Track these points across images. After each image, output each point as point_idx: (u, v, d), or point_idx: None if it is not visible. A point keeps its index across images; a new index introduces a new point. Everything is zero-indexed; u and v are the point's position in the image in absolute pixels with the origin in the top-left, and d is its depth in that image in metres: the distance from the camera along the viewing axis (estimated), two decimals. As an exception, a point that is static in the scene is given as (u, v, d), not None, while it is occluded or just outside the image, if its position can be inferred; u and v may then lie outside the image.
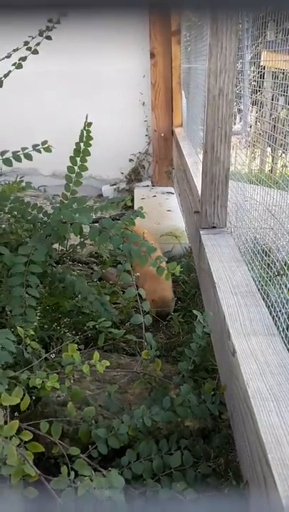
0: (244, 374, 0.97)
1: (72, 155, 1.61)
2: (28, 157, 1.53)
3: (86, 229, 1.44)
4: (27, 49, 1.69)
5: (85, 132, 1.59)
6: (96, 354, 1.23)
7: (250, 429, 0.90)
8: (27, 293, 1.35)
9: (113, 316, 1.63)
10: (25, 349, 1.30)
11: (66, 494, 0.95)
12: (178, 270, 1.40)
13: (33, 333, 1.32)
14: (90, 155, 1.59)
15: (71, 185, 1.62)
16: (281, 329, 1.12)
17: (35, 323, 1.42)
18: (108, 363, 1.23)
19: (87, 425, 1.21)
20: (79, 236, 1.46)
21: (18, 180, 1.84)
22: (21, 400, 1.09)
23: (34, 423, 1.14)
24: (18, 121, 3.94)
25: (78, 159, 1.61)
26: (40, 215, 1.57)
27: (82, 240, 1.57)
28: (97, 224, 1.42)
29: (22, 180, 1.85)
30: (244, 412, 0.96)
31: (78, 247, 1.64)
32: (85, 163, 1.62)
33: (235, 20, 1.50)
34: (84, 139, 1.59)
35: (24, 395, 1.09)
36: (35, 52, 1.66)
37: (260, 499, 0.83)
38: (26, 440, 1.01)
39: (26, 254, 1.37)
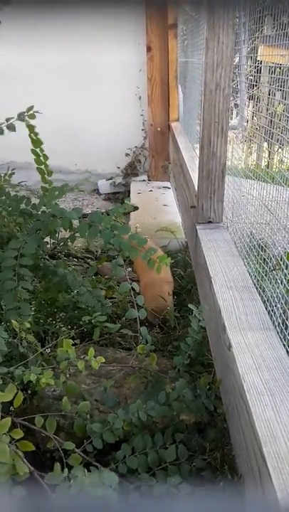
0: (240, 368, 0.98)
1: (30, 150, 1.57)
2: (12, 128, 1.51)
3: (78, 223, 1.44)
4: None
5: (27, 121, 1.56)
6: (91, 350, 1.22)
7: (246, 422, 0.90)
8: (19, 285, 1.35)
9: (107, 308, 1.63)
10: (21, 343, 1.30)
11: (60, 490, 0.95)
12: (167, 262, 1.40)
13: (28, 326, 1.32)
14: (42, 143, 1.56)
15: (46, 176, 1.61)
16: (277, 324, 1.12)
17: (30, 316, 1.42)
18: (103, 359, 1.23)
19: (82, 420, 1.21)
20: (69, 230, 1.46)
21: (9, 172, 1.83)
22: (15, 396, 1.08)
23: (29, 417, 1.14)
24: (13, 114, 3.91)
25: (38, 150, 1.59)
26: (29, 208, 1.56)
27: (72, 233, 1.55)
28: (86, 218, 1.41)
29: (13, 173, 1.84)
30: (240, 406, 0.97)
31: (69, 240, 1.63)
32: (44, 153, 1.59)
33: (232, 14, 1.49)
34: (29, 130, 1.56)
35: (17, 391, 1.09)
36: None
37: (255, 492, 0.83)
38: (17, 438, 1.00)
39: (16, 248, 1.37)
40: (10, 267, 1.36)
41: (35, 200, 1.58)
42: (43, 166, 1.62)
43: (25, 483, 0.95)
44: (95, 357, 1.21)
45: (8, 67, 3.85)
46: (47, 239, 1.56)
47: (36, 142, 1.56)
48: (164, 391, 1.26)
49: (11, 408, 1.24)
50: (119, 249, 1.39)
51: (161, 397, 1.24)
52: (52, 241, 1.75)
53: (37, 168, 1.60)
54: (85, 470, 1.01)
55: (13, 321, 1.29)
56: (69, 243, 1.64)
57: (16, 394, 1.07)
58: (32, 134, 1.55)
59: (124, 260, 1.49)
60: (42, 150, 1.58)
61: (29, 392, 1.34)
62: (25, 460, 0.97)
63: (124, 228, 1.41)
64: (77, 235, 1.46)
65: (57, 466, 1.00)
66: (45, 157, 1.60)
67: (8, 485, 0.91)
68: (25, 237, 1.41)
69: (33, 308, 1.71)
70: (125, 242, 1.39)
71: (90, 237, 1.40)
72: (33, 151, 1.57)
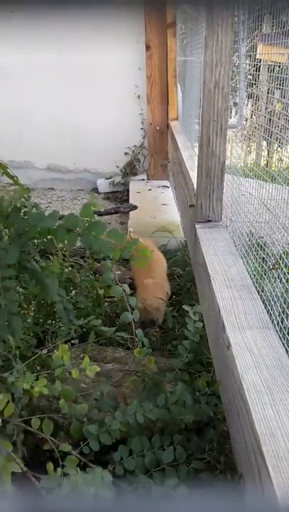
0: (239, 367, 0.97)
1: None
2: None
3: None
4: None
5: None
6: (86, 359, 1.22)
7: (245, 421, 0.90)
8: (6, 300, 1.29)
9: (74, 325, 1.58)
10: (15, 360, 1.27)
11: (55, 492, 0.94)
12: (152, 258, 1.39)
13: (20, 344, 1.29)
14: None
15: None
16: (276, 323, 1.12)
17: (26, 326, 1.39)
18: (98, 369, 1.23)
19: (79, 422, 1.21)
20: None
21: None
22: (6, 405, 1.07)
23: (26, 419, 1.13)
24: (13, 113, 3.92)
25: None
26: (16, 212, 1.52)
27: (51, 239, 1.50)
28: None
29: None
30: (239, 405, 0.96)
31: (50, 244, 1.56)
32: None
33: (231, 12, 1.49)
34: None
35: (8, 401, 1.08)
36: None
37: (255, 491, 0.83)
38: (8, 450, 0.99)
39: None
40: None
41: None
42: (6, 172, 1.59)
43: (20, 484, 0.95)
44: (92, 358, 1.21)
45: (6, 66, 3.85)
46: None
47: None
48: (163, 394, 1.25)
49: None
50: (100, 252, 1.35)
51: (160, 400, 1.24)
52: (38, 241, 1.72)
53: (5, 173, 1.58)
54: (78, 469, 1.01)
55: (9, 337, 1.25)
56: (49, 247, 1.59)
57: (7, 403, 1.06)
58: None
59: (125, 260, 1.48)
60: None
61: (27, 397, 1.33)
62: (18, 460, 0.96)
63: (100, 226, 1.36)
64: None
65: (50, 466, 0.99)
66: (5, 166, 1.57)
67: (3, 486, 0.91)
68: (5, 245, 1.35)
69: (32, 309, 1.71)
70: (105, 243, 1.34)
71: (69, 245, 1.35)
72: None
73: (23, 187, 1.52)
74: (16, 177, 1.56)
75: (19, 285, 1.36)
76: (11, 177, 1.54)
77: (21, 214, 1.44)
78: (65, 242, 1.34)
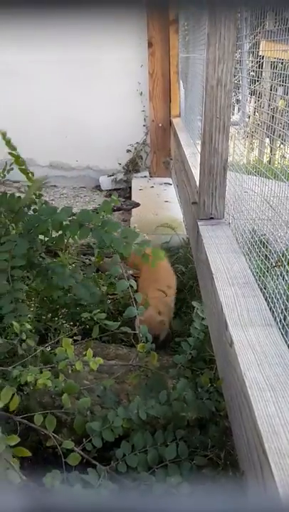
0: (241, 364, 0.97)
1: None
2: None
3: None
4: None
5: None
6: (89, 352, 1.22)
7: (247, 418, 0.90)
8: (13, 287, 1.34)
9: (104, 304, 1.60)
10: (20, 345, 1.28)
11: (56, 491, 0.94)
12: (163, 257, 1.40)
13: (29, 327, 1.31)
14: (15, 148, 1.54)
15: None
16: (278, 320, 1.12)
17: (28, 317, 1.41)
18: (101, 361, 1.23)
19: (82, 417, 1.21)
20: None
21: (7, 168, 1.83)
22: (11, 399, 1.07)
23: (29, 415, 1.14)
24: (16, 110, 3.92)
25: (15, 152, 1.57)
26: (22, 207, 1.54)
27: (63, 233, 1.51)
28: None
29: (12, 168, 1.83)
30: (241, 402, 0.96)
31: (57, 241, 1.58)
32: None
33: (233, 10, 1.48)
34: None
35: (14, 394, 1.08)
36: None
37: (257, 488, 0.83)
38: (12, 445, 0.99)
39: (7, 251, 1.35)
40: (2, 270, 1.34)
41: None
42: (24, 167, 1.60)
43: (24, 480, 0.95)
44: (95, 355, 1.21)
45: (10, 64, 3.85)
46: (42, 235, 1.54)
47: (11, 146, 1.55)
48: (165, 390, 1.26)
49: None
50: (111, 246, 1.37)
51: (162, 396, 1.24)
52: (46, 238, 1.74)
53: (19, 169, 1.59)
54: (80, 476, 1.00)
55: (14, 323, 1.27)
56: (59, 243, 1.61)
57: (13, 396, 1.07)
58: (4, 139, 1.54)
59: (125, 258, 1.48)
60: (18, 153, 1.57)
61: (31, 387, 1.34)
62: (16, 469, 0.96)
63: (114, 225, 1.39)
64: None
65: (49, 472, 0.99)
66: (23, 161, 1.58)
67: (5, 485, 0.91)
68: (15, 238, 1.39)
69: (35, 305, 1.72)
70: (117, 238, 1.37)
71: (81, 237, 1.37)
72: (11, 154, 1.56)
73: (37, 181, 1.54)
74: (32, 173, 1.57)
75: (23, 282, 1.37)
76: (26, 173, 1.55)
77: (31, 211, 1.46)
78: (77, 236, 1.37)
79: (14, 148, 1.54)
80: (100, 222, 1.36)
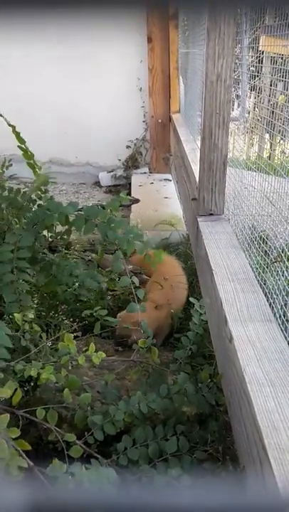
0: (241, 360, 0.98)
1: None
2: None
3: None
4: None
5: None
6: (92, 346, 1.23)
7: (247, 414, 0.91)
8: (18, 278, 1.35)
9: (106, 300, 1.61)
10: (23, 336, 1.30)
11: (60, 484, 0.95)
12: (163, 258, 1.41)
13: (32, 316, 1.32)
14: (25, 142, 1.55)
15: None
16: (278, 316, 1.12)
17: (31, 308, 1.42)
18: (104, 355, 1.23)
19: (83, 411, 1.22)
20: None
21: (7, 164, 1.83)
22: (14, 393, 1.08)
23: (31, 410, 1.15)
24: (15, 106, 3.90)
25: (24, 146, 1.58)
26: (26, 202, 1.55)
27: (69, 228, 1.52)
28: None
29: (11, 165, 1.83)
30: (241, 398, 0.97)
31: (65, 235, 1.60)
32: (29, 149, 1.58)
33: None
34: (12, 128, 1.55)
35: (16, 389, 1.09)
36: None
37: (257, 483, 0.84)
38: (14, 437, 0.99)
39: (13, 242, 1.37)
40: (7, 261, 1.35)
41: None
42: (32, 161, 1.61)
43: (24, 477, 0.95)
44: (96, 351, 1.22)
45: (9, 59, 3.83)
46: (44, 232, 1.55)
47: (20, 139, 1.55)
48: (165, 384, 1.26)
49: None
50: (115, 243, 1.38)
51: (162, 390, 1.24)
52: (50, 234, 1.75)
53: (27, 163, 1.59)
54: (83, 466, 1.01)
55: (15, 314, 1.29)
56: (67, 236, 1.62)
57: (15, 390, 1.07)
58: (14, 132, 1.54)
59: (125, 255, 1.48)
60: (27, 147, 1.57)
61: (32, 384, 1.34)
62: (24, 455, 0.97)
63: (120, 222, 1.40)
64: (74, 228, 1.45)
65: (55, 462, 0.99)
66: (32, 154, 1.58)
67: (8, 480, 0.91)
68: (21, 231, 1.40)
69: (35, 301, 1.72)
70: (121, 236, 1.38)
71: (86, 232, 1.39)
72: (20, 147, 1.56)
73: (43, 177, 1.54)
74: (40, 167, 1.58)
75: (22, 279, 1.38)
76: (34, 167, 1.56)
77: (35, 206, 1.47)
78: (82, 230, 1.38)
79: (23, 142, 1.54)
80: (106, 219, 1.37)
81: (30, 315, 1.32)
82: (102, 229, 1.37)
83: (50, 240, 1.61)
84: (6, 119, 1.51)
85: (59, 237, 1.58)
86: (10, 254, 1.35)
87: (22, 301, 1.36)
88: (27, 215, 1.49)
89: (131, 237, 1.39)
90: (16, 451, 0.96)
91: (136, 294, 1.42)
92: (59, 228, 1.59)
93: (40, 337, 1.35)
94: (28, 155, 1.56)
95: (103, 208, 1.43)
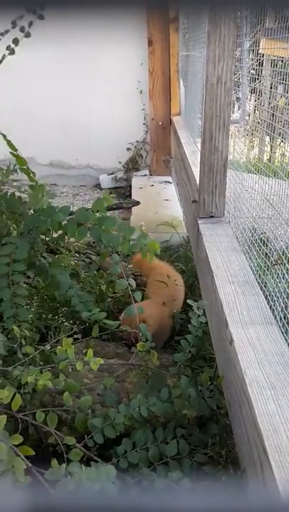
0: (241, 362, 0.98)
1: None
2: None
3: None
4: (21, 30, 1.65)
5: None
6: (90, 352, 1.22)
7: (248, 416, 0.90)
8: (15, 293, 1.35)
9: (89, 303, 1.60)
10: (20, 349, 1.29)
11: (60, 486, 0.95)
12: (158, 249, 1.40)
13: (27, 333, 1.32)
14: (16, 150, 1.55)
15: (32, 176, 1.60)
16: (278, 318, 1.12)
17: (29, 322, 1.41)
18: (102, 361, 1.23)
19: (84, 414, 1.21)
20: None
21: (12, 169, 1.83)
22: (12, 398, 1.08)
23: (30, 412, 1.14)
24: (16, 109, 3.91)
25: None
26: (20, 208, 1.54)
27: (63, 233, 1.52)
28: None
29: (16, 170, 1.84)
30: (241, 400, 0.97)
31: (59, 240, 1.59)
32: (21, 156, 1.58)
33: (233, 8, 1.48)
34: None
35: (15, 393, 1.09)
36: (28, 35, 1.62)
37: (258, 486, 0.84)
38: (16, 444, 0.99)
39: (8, 254, 1.36)
40: (3, 275, 1.35)
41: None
42: (25, 167, 1.61)
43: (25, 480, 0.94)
44: (95, 354, 1.21)
45: (9, 62, 3.83)
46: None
47: (11, 146, 1.55)
48: (166, 388, 1.26)
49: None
50: (109, 245, 1.37)
51: (163, 394, 1.24)
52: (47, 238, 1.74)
53: (20, 168, 1.59)
54: (82, 465, 1.01)
55: (14, 327, 1.28)
56: (62, 241, 1.62)
57: (14, 395, 1.07)
58: (6, 140, 1.54)
59: (127, 256, 1.48)
60: (19, 153, 1.57)
61: (31, 388, 1.34)
62: (23, 456, 0.97)
63: (110, 220, 1.38)
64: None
65: (54, 462, 0.99)
66: (25, 161, 1.58)
67: (8, 482, 0.91)
68: (16, 240, 1.39)
69: (35, 304, 1.72)
70: (115, 236, 1.37)
71: (79, 237, 1.38)
72: (12, 154, 1.56)
73: (37, 183, 1.54)
74: (34, 173, 1.58)
75: (23, 281, 1.38)
76: (28, 173, 1.56)
77: (31, 210, 1.46)
78: (76, 235, 1.37)
79: (15, 149, 1.54)
80: (96, 221, 1.36)
81: (26, 332, 1.32)
82: (95, 233, 1.36)
83: (49, 243, 1.61)
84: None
85: (54, 242, 1.58)
86: (5, 268, 1.35)
87: (19, 315, 1.35)
88: (23, 222, 1.48)
89: (123, 236, 1.38)
90: (17, 456, 0.95)
91: (133, 297, 1.41)
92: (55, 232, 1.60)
93: (38, 344, 1.35)
94: (21, 161, 1.56)
95: (93, 211, 1.42)
